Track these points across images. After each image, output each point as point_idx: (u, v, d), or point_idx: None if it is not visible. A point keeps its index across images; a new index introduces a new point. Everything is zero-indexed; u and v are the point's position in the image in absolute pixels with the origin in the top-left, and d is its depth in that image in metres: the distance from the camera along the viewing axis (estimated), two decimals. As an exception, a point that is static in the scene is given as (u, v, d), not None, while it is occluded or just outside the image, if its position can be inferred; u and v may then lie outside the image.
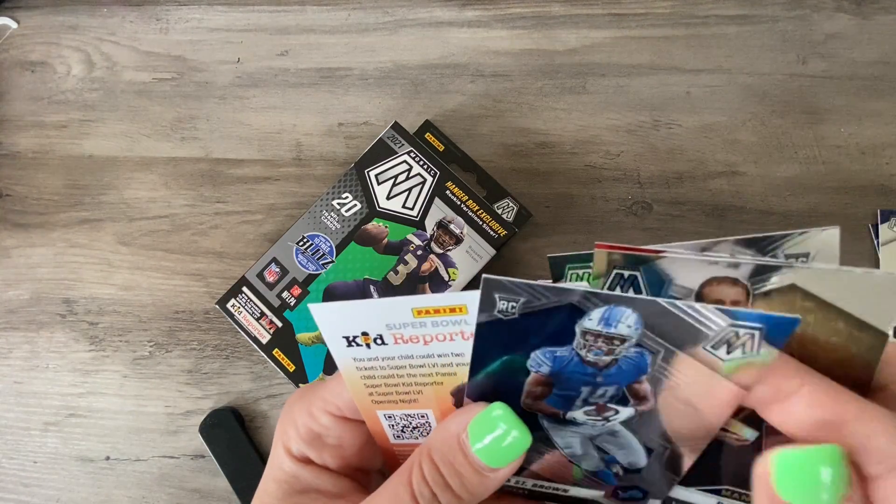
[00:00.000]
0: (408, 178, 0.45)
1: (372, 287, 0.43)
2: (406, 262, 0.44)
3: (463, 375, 0.21)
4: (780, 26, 0.49)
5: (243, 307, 0.44)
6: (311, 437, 0.24)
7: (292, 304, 0.43)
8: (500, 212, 0.46)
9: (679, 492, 0.24)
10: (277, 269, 0.44)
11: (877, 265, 0.44)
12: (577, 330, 0.19)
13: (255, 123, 0.50)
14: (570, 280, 0.22)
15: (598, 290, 0.18)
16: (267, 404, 0.45)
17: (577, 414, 0.21)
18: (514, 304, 0.19)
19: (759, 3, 0.50)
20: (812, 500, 0.17)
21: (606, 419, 0.21)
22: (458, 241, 0.44)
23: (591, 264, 0.21)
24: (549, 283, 0.19)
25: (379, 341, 0.21)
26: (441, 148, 0.48)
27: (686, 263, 0.20)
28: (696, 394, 0.19)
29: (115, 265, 0.48)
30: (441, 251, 0.44)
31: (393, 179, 0.45)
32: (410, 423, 0.24)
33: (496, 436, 0.20)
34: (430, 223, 0.44)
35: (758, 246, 0.20)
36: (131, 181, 0.50)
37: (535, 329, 0.19)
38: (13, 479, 0.46)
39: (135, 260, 0.48)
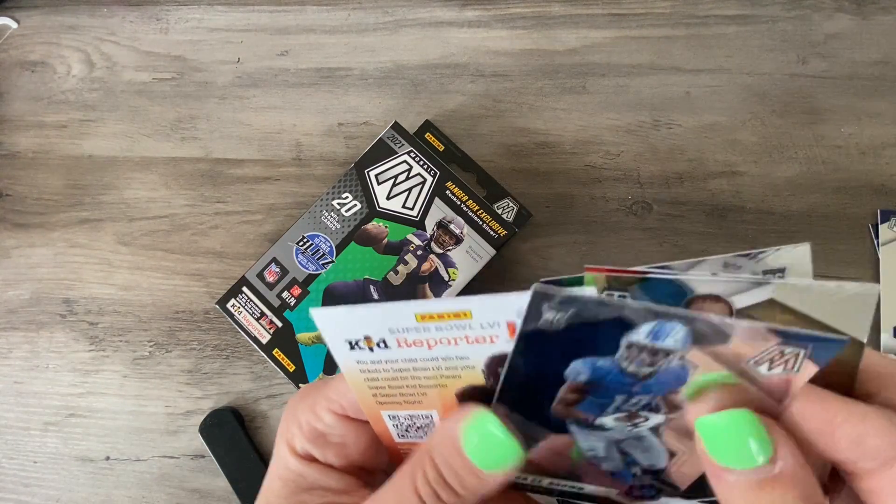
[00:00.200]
0: (408, 178, 0.45)
1: (372, 287, 0.43)
2: (406, 262, 0.44)
3: (468, 378, 0.21)
4: (780, 26, 0.49)
5: (243, 307, 0.44)
6: (314, 436, 0.24)
7: (292, 304, 0.43)
8: (500, 212, 0.46)
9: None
10: (277, 269, 0.44)
11: (877, 265, 0.44)
12: (623, 342, 0.19)
13: (255, 123, 0.50)
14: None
15: (659, 307, 0.18)
16: (267, 404, 0.45)
17: (608, 420, 0.21)
18: (563, 315, 0.19)
19: (759, 3, 0.50)
20: (744, 460, 0.18)
21: (635, 425, 0.21)
22: (458, 241, 0.44)
23: (582, 287, 0.21)
24: (601, 296, 0.19)
25: (382, 345, 0.21)
26: (441, 148, 0.48)
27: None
28: None
29: (115, 265, 0.48)
30: (441, 251, 0.44)
31: (393, 179, 0.45)
32: (415, 423, 0.24)
33: (488, 443, 0.21)
34: (430, 223, 0.44)
35: (734, 265, 0.21)
36: (131, 181, 0.50)
37: (579, 340, 0.19)
38: (13, 479, 0.46)
39: (135, 260, 0.48)
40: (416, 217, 0.44)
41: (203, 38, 0.53)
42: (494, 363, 0.21)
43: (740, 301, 0.20)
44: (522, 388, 0.21)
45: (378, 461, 0.26)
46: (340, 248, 0.44)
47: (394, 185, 0.45)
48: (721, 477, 0.19)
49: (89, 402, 0.46)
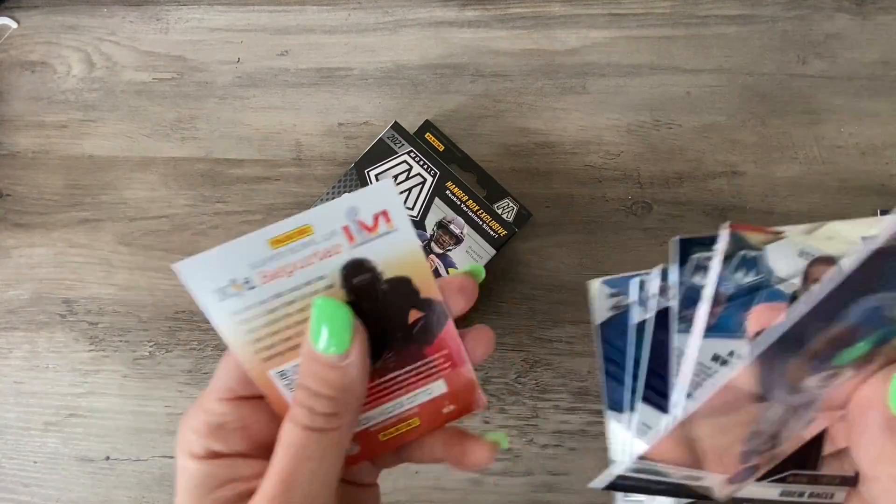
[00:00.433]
0: (408, 178, 0.45)
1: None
2: (406, 262, 0.44)
3: (333, 297, 0.22)
4: (780, 26, 0.49)
5: (243, 307, 0.43)
6: (210, 430, 0.24)
7: (292, 304, 0.43)
8: (500, 212, 0.46)
9: (745, 489, 0.24)
10: (277, 269, 0.44)
11: (877, 265, 0.44)
12: None
13: (255, 123, 0.50)
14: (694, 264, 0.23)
15: None
16: (267, 404, 0.45)
17: (814, 380, 0.22)
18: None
19: (759, 3, 0.50)
20: None
21: (825, 386, 0.22)
22: (458, 241, 0.44)
23: (716, 247, 0.22)
24: None
25: (248, 285, 0.22)
26: (441, 148, 0.48)
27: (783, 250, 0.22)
28: None
29: (115, 265, 0.48)
30: (441, 251, 0.44)
31: (393, 179, 0.45)
32: None
33: (328, 324, 0.22)
34: (430, 223, 0.44)
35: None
36: (131, 181, 0.50)
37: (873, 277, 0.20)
38: (13, 479, 0.46)
39: (135, 260, 0.48)
40: (416, 217, 0.44)
41: (203, 38, 0.53)
42: (349, 274, 0.22)
43: (845, 265, 0.21)
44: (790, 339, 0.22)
45: None
46: (340, 248, 0.44)
47: (394, 185, 0.45)
48: (893, 423, 0.20)
49: (89, 402, 0.46)
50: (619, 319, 0.23)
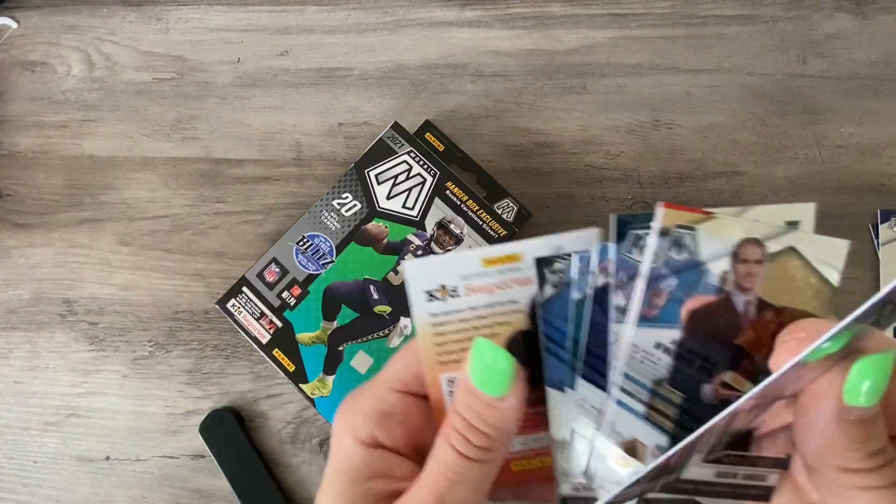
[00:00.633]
0: (408, 178, 0.45)
1: (372, 287, 0.43)
2: (406, 262, 0.44)
3: (517, 322, 0.25)
4: (780, 26, 0.49)
5: (243, 307, 0.44)
6: (380, 418, 0.25)
7: (292, 304, 0.43)
8: (500, 212, 0.46)
9: (691, 472, 0.25)
10: (277, 269, 0.44)
11: (877, 265, 0.44)
12: None
13: (255, 123, 0.50)
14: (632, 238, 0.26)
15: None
16: (267, 404, 0.45)
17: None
18: None
19: (759, 3, 0.50)
20: (871, 398, 0.20)
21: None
22: (458, 241, 0.44)
23: (651, 224, 0.25)
24: None
25: (454, 293, 0.25)
26: (441, 148, 0.48)
27: (722, 229, 0.25)
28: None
29: (115, 265, 0.48)
30: (441, 251, 0.44)
31: (393, 179, 0.45)
32: None
33: (487, 366, 0.23)
34: (430, 223, 0.44)
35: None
36: (131, 181, 0.50)
37: None
38: (13, 479, 0.46)
39: (135, 260, 0.48)
40: (416, 217, 0.44)
41: (203, 38, 0.53)
42: (532, 304, 0.25)
43: (772, 246, 0.24)
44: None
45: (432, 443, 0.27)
46: (340, 248, 0.44)
47: (394, 185, 0.45)
48: (845, 415, 0.20)
49: (89, 402, 0.46)
50: (559, 298, 0.25)
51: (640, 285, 0.24)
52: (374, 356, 0.42)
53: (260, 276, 0.44)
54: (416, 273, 0.25)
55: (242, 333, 0.43)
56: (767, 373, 0.23)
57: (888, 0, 0.49)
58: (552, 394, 0.25)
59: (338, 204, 0.45)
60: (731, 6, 0.50)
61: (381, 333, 0.43)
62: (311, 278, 0.44)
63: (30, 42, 0.54)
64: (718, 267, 0.24)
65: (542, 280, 0.25)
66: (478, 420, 0.23)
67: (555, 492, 0.26)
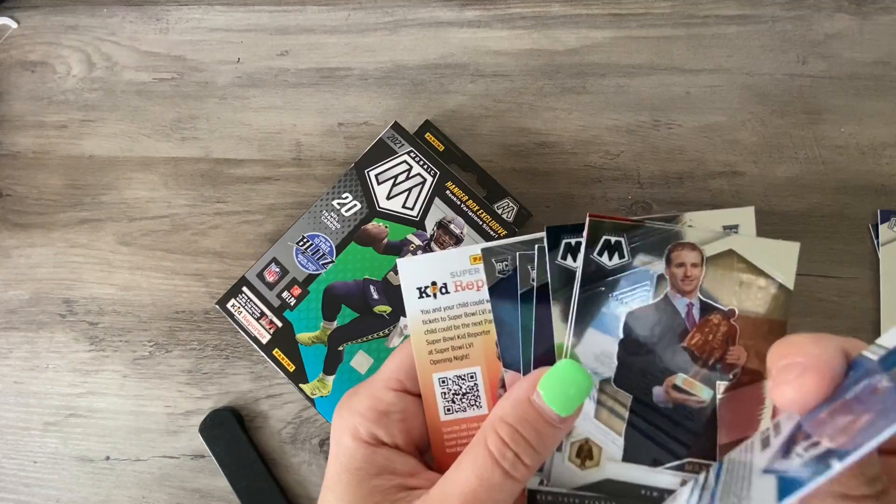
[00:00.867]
0: (408, 178, 0.45)
1: (372, 287, 0.43)
2: (406, 262, 0.44)
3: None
4: (780, 26, 0.49)
5: (243, 307, 0.44)
6: (378, 416, 0.25)
7: (292, 304, 0.43)
8: (500, 212, 0.46)
9: (649, 476, 0.25)
10: (277, 269, 0.44)
11: (877, 265, 0.44)
12: None
13: (255, 123, 0.50)
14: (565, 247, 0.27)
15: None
16: (267, 404, 0.45)
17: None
18: None
19: (759, 3, 0.50)
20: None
21: None
22: (458, 241, 0.44)
23: (584, 233, 0.25)
24: None
25: (444, 290, 0.26)
26: (441, 148, 0.48)
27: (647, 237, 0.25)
28: None
29: (115, 265, 0.48)
30: (441, 251, 0.44)
31: (393, 179, 0.45)
32: (461, 387, 0.26)
33: (565, 382, 0.23)
34: (430, 223, 0.44)
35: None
36: (131, 181, 0.50)
37: None
38: (13, 479, 0.46)
39: (135, 260, 0.48)
40: (416, 217, 0.44)
41: (203, 38, 0.53)
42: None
43: (709, 250, 0.25)
44: None
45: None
46: (340, 248, 0.44)
47: (394, 185, 0.45)
48: None
49: (89, 402, 0.46)
50: (504, 284, 0.26)
51: (575, 290, 0.25)
52: (374, 356, 0.42)
53: (260, 276, 0.44)
54: (409, 270, 0.26)
55: (242, 333, 0.43)
56: (722, 376, 0.24)
57: (888, 0, 0.49)
58: (510, 375, 0.26)
59: (338, 204, 0.45)
60: (731, 6, 0.50)
61: (381, 333, 0.43)
62: (311, 278, 0.44)
63: (30, 42, 0.54)
64: (654, 271, 0.25)
65: (489, 269, 0.26)
66: (537, 439, 0.23)
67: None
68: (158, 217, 0.49)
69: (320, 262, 0.44)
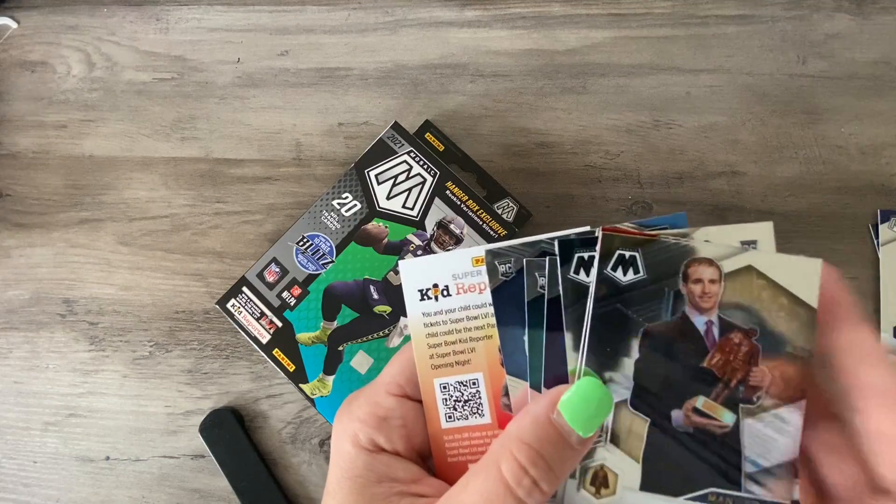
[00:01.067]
0: (408, 178, 0.45)
1: (372, 287, 0.43)
2: (406, 262, 0.44)
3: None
4: (780, 26, 0.49)
5: (243, 307, 0.44)
6: (377, 422, 0.25)
7: (292, 304, 0.43)
8: (500, 212, 0.46)
9: None
10: (277, 269, 0.44)
11: (877, 265, 0.44)
12: None
13: (255, 123, 0.50)
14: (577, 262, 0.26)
15: None
16: (267, 404, 0.45)
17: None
18: None
19: (759, 3, 0.50)
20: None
21: None
22: (458, 241, 0.44)
23: (597, 247, 0.24)
24: None
25: (445, 292, 0.25)
26: (441, 148, 0.48)
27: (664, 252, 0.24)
28: None
29: (115, 265, 0.48)
30: (441, 251, 0.44)
31: (393, 179, 0.45)
32: (462, 394, 0.26)
33: (588, 401, 0.22)
34: (430, 223, 0.44)
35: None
36: (131, 181, 0.50)
37: None
38: (13, 479, 0.46)
39: (135, 260, 0.48)
40: (416, 217, 0.44)
41: (203, 38, 0.53)
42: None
43: (727, 266, 0.24)
44: None
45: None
46: (340, 248, 0.44)
47: (394, 185, 0.45)
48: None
49: (89, 402, 0.46)
50: (508, 287, 0.25)
51: (589, 306, 0.24)
52: (374, 356, 0.42)
53: (260, 276, 0.44)
54: (411, 272, 0.25)
55: (242, 333, 0.43)
56: (744, 399, 0.23)
57: (888, 0, 0.49)
58: (513, 383, 0.25)
59: (338, 204, 0.45)
60: (731, 6, 0.50)
61: (381, 333, 0.43)
62: (311, 278, 0.44)
63: (30, 42, 0.54)
64: (670, 287, 0.24)
65: (492, 271, 0.25)
66: (558, 462, 0.21)
67: None
68: (158, 217, 0.49)
69: (320, 262, 0.44)
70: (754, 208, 0.46)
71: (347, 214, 0.44)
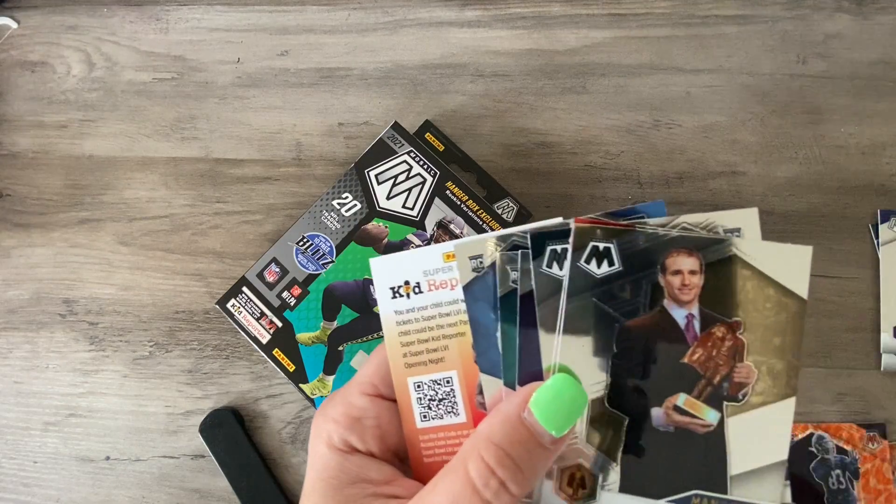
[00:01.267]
0: (408, 178, 0.45)
1: (372, 287, 0.43)
2: (406, 262, 0.44)
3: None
4: (780, 26, 0.49)
5: (243, 307, 0.44)
6: (350, 422, 0.24)
7: (292, 304, 0.43)
8: (500, 212, 0.46)
9: None
10: (277, 269, 0.44)
11: (877, 265, 0.44)
12: None
13: (255, 123, 0.50)
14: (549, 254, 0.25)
15: None
16: (267, 404, 0.45)
17: None
18: None
19: (759, 3, 0.50)
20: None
21: None
22: (458, 241, 0.44)
23: (570, 239, 0.23)
24: None
25: (417, 289, 0.25)
26: (441, 148, 0.48)
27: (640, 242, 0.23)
28: None
29: (115, 265, 0.48)
30: (441, 251, 0.44)
31: (393, 179, 0.45)
32: (437, 393, 0.25)
33: (561, 400, 0.21)
34: (430, 223, 0.44)
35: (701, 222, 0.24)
36: (131, 181, 0.50)
37: None
38: (13, 479, 0.46)
39: (135, 260, 0.48)
40: (416, 217, 0.44)
41: (203, 38, 0.52)
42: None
43: (708, 256, 0.23)
44: None
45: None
46: (340, 248, 0.44)
47: (394, 185, 0.45)
48: None
49: (89, 402, 0.46)
50: (481, 283, 0.24)
51: (562, 300, 0.23)
52: (374, 356, 0.42)
53: (260, 276, 0.44)
54: (382, 269, 0.25)
55: (242, 333, 0.43)
56: (730, 397, 0.22)
57: (888, 0, 0.49)
58: (486, 380, 0.24)
59: (338, 204, 0.45)
60: (731, 6, 0.50)
61: (380, 333, 0.43)
62: (311, 278, 0.44)
63: (30, 42, 0.54)
64: (648, 279, 0.23)
65: (463, 265, 0.24)
66: (528, 463, 0.21)
67: None
68: (158, 217, 0.49)
69: (320, 262, 0.44)
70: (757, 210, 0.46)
71: (347, 214, 0.44)
